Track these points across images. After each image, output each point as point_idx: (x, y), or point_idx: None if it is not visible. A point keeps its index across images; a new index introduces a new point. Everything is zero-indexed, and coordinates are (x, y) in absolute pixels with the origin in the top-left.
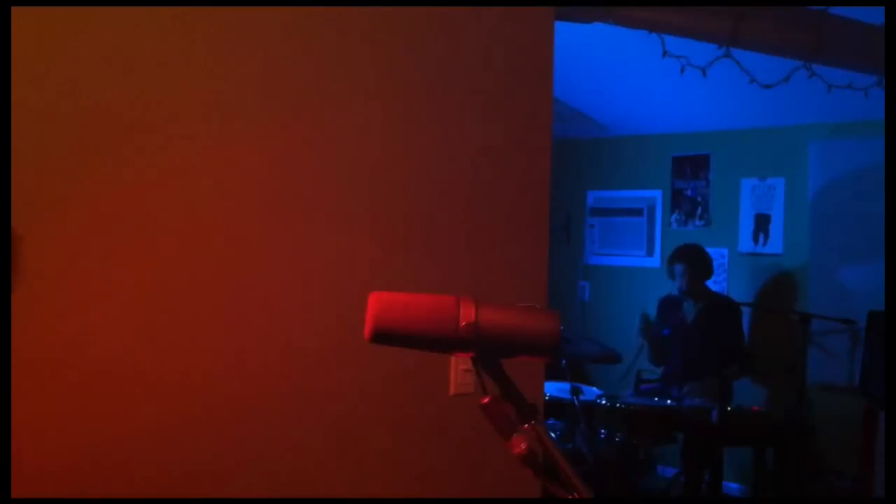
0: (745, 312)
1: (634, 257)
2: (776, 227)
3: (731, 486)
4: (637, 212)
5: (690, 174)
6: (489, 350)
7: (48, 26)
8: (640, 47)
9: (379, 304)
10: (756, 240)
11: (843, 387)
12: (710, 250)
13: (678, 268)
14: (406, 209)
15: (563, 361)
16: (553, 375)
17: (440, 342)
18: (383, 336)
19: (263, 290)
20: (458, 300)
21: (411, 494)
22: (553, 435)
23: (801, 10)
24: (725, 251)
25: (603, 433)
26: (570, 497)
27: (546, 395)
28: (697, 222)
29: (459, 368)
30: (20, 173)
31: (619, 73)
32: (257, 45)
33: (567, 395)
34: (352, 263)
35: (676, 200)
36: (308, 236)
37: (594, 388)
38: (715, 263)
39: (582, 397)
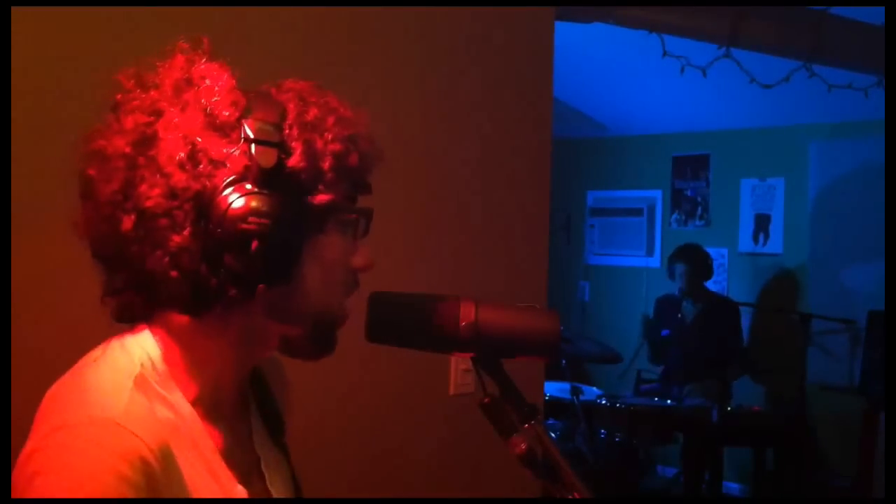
0: (745, 312)
1: (634, 257)
2: (776, 227)
3: (731, 486)
4: (637, 212)
5: (690, 174)
6: (489, 350)
7: (52, 26)
8: (640, 47)
9: (378, 304)
10: (756, 240)
11: (843, 387)
12: (710, 250)
13: (678, 268)
14: (405, 209)
15: (563, 361)
16: (553, 375)
17: (440, 342)
18: (383, 336)
19: None
20: (459, 300)
21: (411, 494)
22: (553, 435)
23: (801, 10)
24: (725, 251)
25: (603, 433)
26: (570, 497)
27: (546, 395)
28: (697, 222)
29: (459, 368)
30: (29, 175)
31: (619, 73)
32: (255, 46)
33: (567, 395)
34: None
35: (676, 200)
36: None
37: (594, 388)
38: (715, 263)
39: (582, 397)
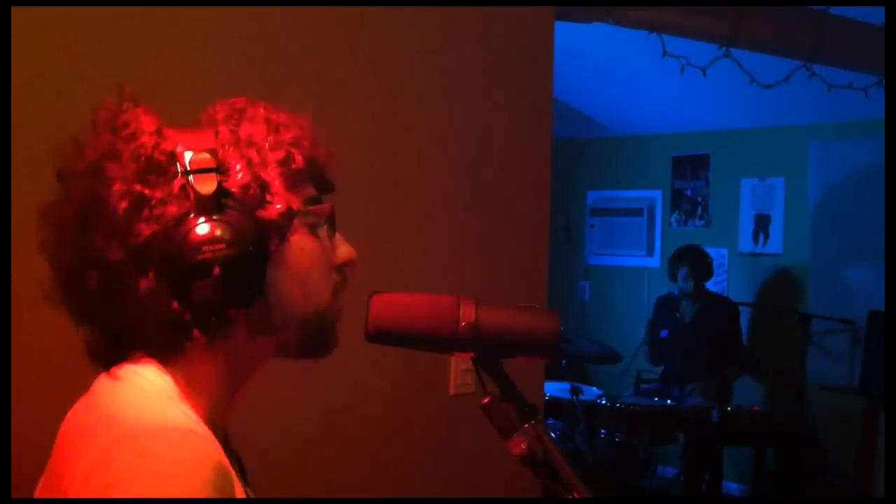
0: (745, 312)
1: (634, 257)
2: (776, 227)
3: (731, 486)
4: (637, 212)
5: (690, 174)
6: (489, 350)
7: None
8: (640, 47)
9: (379, 304)
10: (756, 240)
11: (843, 387)
12: (710, 250)
13: (683, 271)
14: (406, 209)
15: (563, 361)
16: (553, 375)
17: (440, 342)
18: (383, 336)
19: None
20: (458, 300)
21: (411, 494)
22: (553, 435)
23: (801, 10)
24: (725, 251)
25: (603, 433)
26: (570, 497)
27: (546, 395)
28: (697, 222)
29: (459, 368)
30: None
31: (619, 73)
32: (257, 45)
33: (567, 395)
34: None
35: (676, 200)
36: None
37: (594, 388)
38: (715, 263)
39: (582, 397)
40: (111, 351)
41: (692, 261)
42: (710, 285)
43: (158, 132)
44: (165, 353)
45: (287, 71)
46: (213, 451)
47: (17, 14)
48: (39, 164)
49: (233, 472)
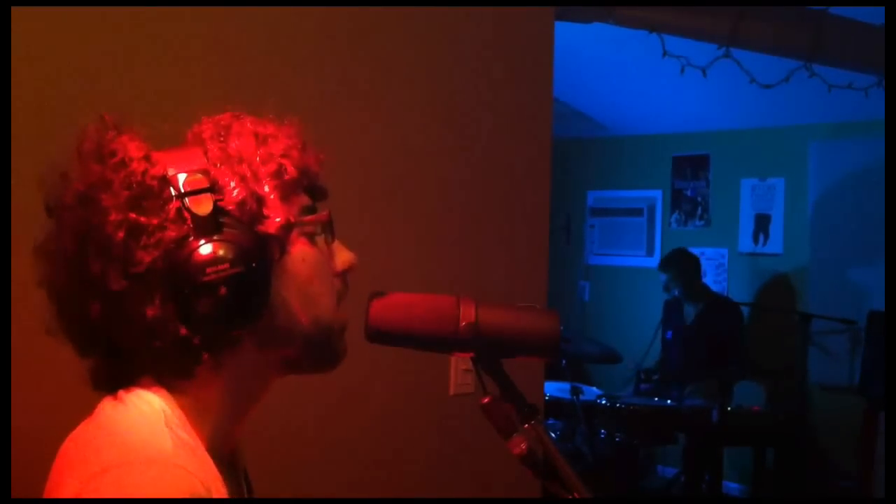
0: (745, 312)
1: (634, 257)
2: (776, 227)
3: (731, 486)
4: (637, 212)
5: (690, 174)
6: (489, 350)
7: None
8: (640, 47)
9: (378, 305)
10: (756, 240)
11: (843, 387)
12: (710, 250)
13: (664, 277)
14: (405, 209)
15: (563, 361)
16: (553, 375)
17: (440, 342)
18: (383, 336)
19: None
20: (458, 300)
21: (411, 494)
22: (553, 435)
23: (801, 10)
24: (725, 251)
25: (603, 433)
26: (570, 497)
27: (546, 395)
28: (697, 222)
29: (459, 368)
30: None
31: (619, 73)
32: (258, 46)
33: (567, 395)
34: None
35: (676, 200)
36: None
37: (594, 388)
38: (715, 263)
39: (582, 397)
40: (115, 379)
41: (671, 266)
42: (711, 285)
43: (147, 157)
44: (173, 378)
45: (285, 72)
46: (194, 485)
47: (17, 14)
48: (39, 166)
49: (221, 496)
